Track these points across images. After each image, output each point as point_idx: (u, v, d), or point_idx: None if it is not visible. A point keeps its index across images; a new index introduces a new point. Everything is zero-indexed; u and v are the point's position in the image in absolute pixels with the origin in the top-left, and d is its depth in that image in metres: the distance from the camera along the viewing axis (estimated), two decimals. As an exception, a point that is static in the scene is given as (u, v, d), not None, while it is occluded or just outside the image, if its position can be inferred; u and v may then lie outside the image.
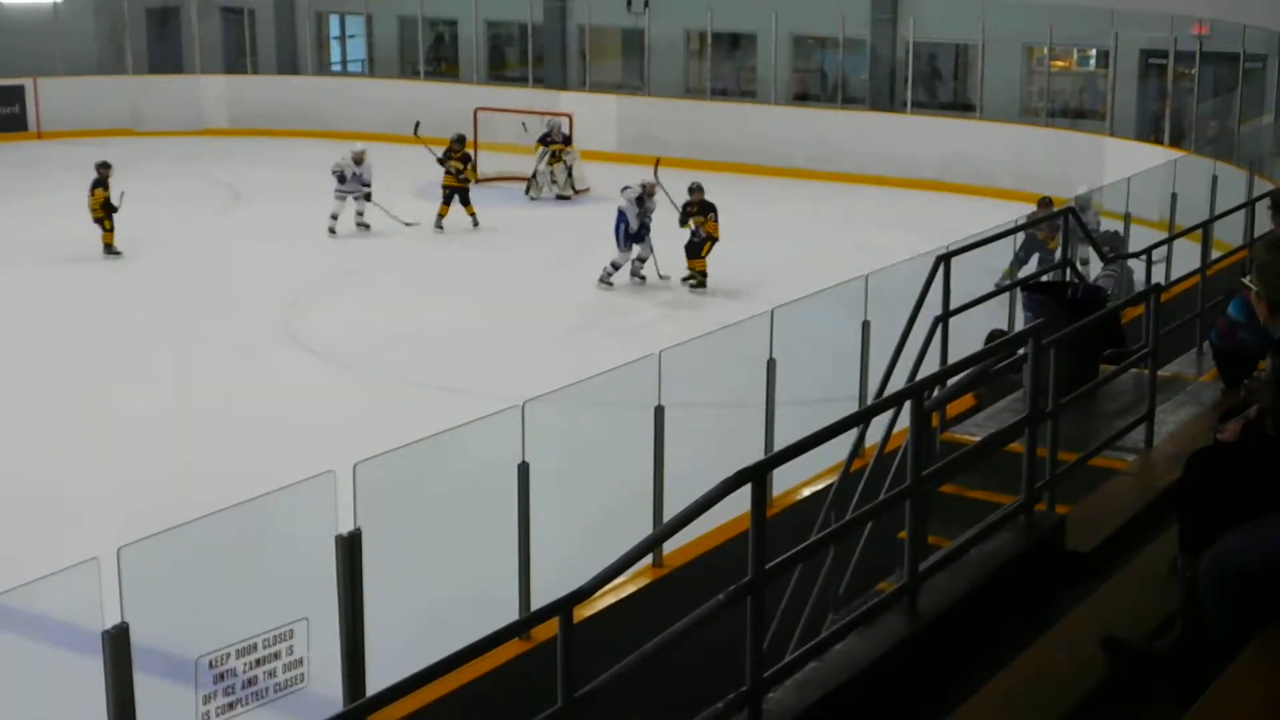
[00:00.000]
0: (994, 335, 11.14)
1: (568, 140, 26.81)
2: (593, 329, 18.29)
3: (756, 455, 5.28)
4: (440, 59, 34.73)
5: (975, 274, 10.43)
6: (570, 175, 26.64)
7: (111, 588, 6.60)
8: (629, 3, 31.13)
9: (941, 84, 30.40)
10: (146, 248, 22.40)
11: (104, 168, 21.99)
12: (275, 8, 34.71)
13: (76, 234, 22.95)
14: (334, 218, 23.39)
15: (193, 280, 20.61)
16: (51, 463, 13.82)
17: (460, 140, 24.43)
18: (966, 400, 10.44)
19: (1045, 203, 18.95)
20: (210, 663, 7.21)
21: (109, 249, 21.75)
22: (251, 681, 7.36)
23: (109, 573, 6.55)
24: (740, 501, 4.91)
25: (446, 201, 23.85)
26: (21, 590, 6.70)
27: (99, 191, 21.76)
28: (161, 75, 33.79)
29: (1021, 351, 6.73)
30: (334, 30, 36.32)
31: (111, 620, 6.70)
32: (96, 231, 21.95)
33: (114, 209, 21.54)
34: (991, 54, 28.09)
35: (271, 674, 7.43)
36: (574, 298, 19.80)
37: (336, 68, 36.53)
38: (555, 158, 26.56)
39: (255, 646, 7.39)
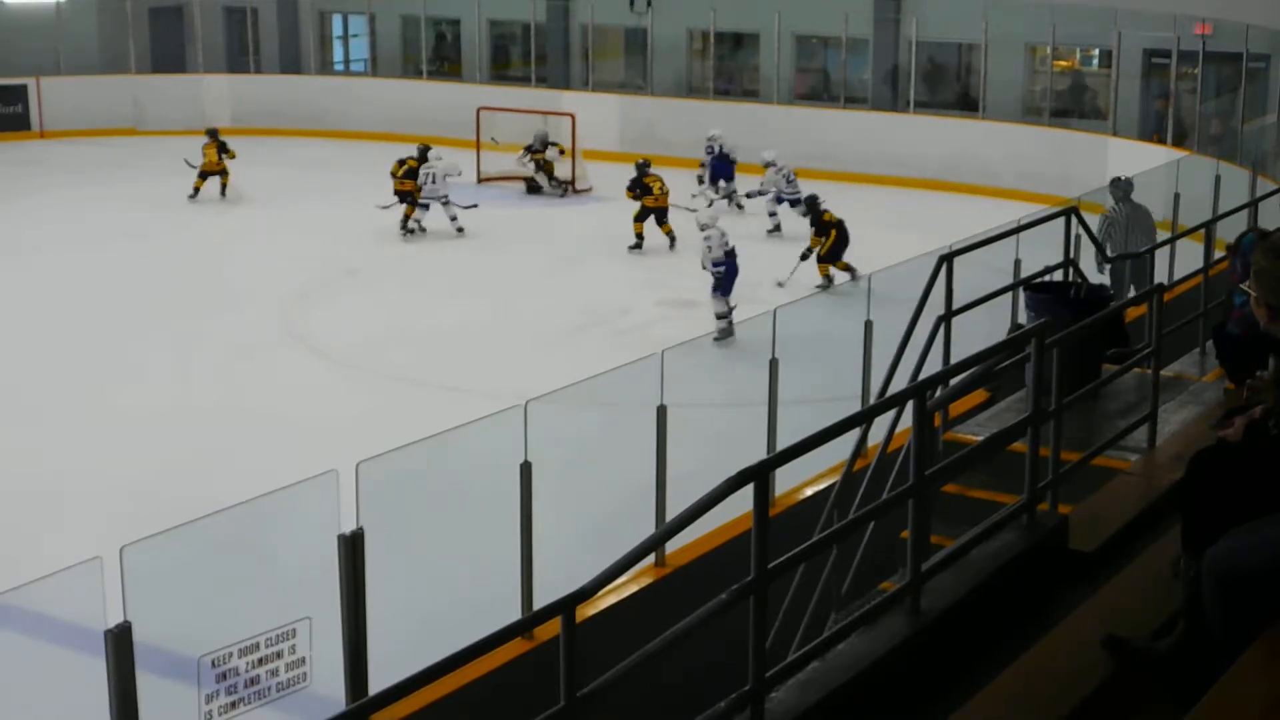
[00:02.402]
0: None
1: (545, 146, 26.94)
2: (595, 328, 18.29)
3: (759, 455, 5.29)
4: (443, 58, 34.73)
5: (978, 273, 10.41)
6: (551, 178, 26.81)
7: (114, 587, 6.60)
8: (631, 2, 31.13)
9: (944, 83, 30.36)
10: (149, 246, 22.42)
11: (215, 133, 26.20)
12: (278, 7, 34.69)
13: (77, 233, 23.04)
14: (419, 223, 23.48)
15: (195, 279, 20.61)
16: (53, 461, 13.83)
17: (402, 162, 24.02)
18: (969, 400, 10.43)
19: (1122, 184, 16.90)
20: (213, 662, 7.21)
21: (225, 190, 25.94)
22: (254, 681, 7.35)
23: (111, 572, 6.55)
24: (742, 501, 4.91)
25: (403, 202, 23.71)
26: (24, 589, 6.70)
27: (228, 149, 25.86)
28: (164, 74, 33.78)
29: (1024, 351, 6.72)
30: (337, 29, 36.30)
31: (114, 619, 6.70)
32: (93, 230, 22.25)
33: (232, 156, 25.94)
34: (994, 53, 28.08)
35: (274, 673, 7.43)
36: (576, 297, 19.80)
37: (339, 67, 36.52)
38: (538, 166, 26.79)
39: (258, 646, 7.38)
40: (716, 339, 17.14)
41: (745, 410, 11.45)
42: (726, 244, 18.07)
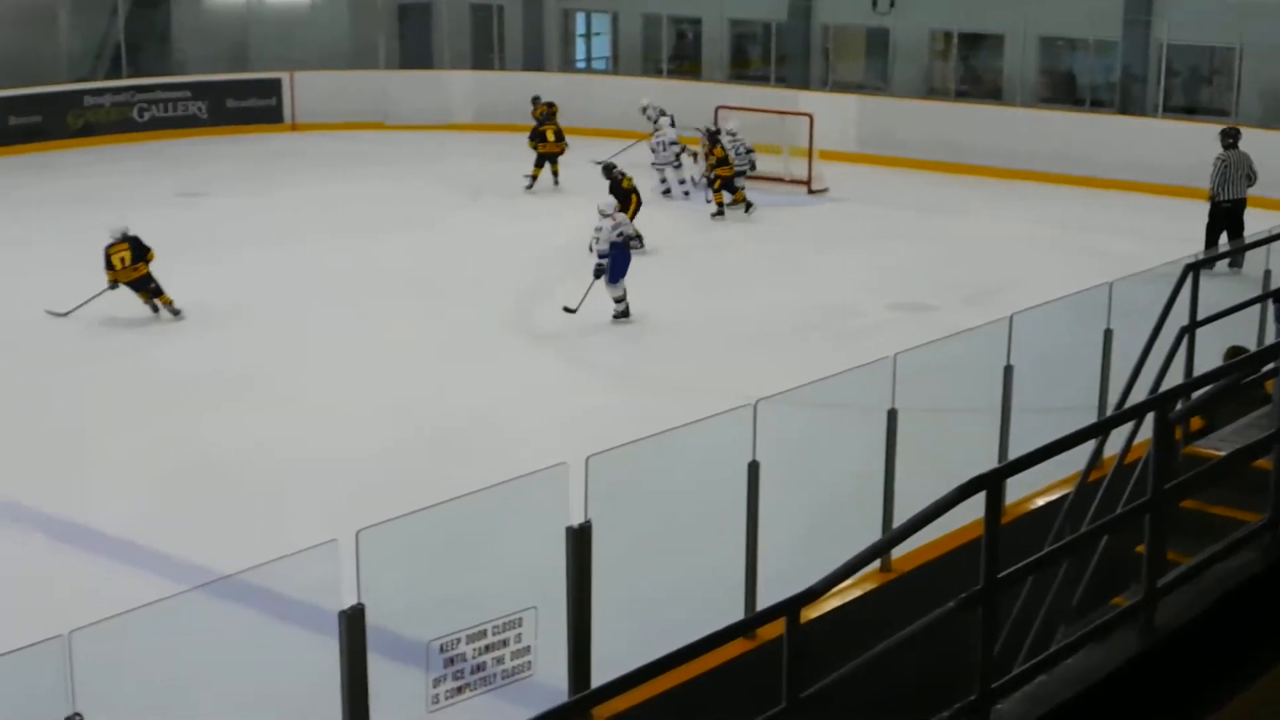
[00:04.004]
0: (1234, 351, 10.80)
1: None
2: (823, 329, 18.20)
3: (989, 463, 5.21)
4: (683, 57, 34.87)
5: (1225, 284, 10.13)
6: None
7: (349, 569, 6.77)
8: (874, 2, 30.88)
9: (1196, 88, 29.52)
10: (391, 238, 22.96)
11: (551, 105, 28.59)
12: (524, 5, 35.21)
13: (323, 224, 23.69)
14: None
15: (434, 272, 21.04)
16: (296, 447, 14.26)
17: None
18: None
19: (1230, 133, 20.96)
20: (441, 647, 7.35)
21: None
22: (480, 667, 7.47)
23: (347, 554, 6.72)
24: (972, 509, 4.84)
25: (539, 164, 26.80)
26: (264, 568, 6.91)
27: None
28: (411, 70, 34.56)
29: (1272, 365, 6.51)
30: (580, 28, 36.72)
31: (348, 601, 6.87)
32: (339, 222, 22.99)
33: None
34: (1250, 57, 27.21)
35: (499, 661, 7.54)
36: (807, 297, 19.73)
37: (581, 64, 36.92)
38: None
39: (485, 633, 7.50)
40: (616, 317, 18.48)
41: (976, 417, 11.29)
42: (615, 235, 18.53)
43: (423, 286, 20.18)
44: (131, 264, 18.61)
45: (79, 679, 6.06)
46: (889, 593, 9.47)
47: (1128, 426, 7.75)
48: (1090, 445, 8.08)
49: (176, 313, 18.80)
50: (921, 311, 18.82)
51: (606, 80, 34.73)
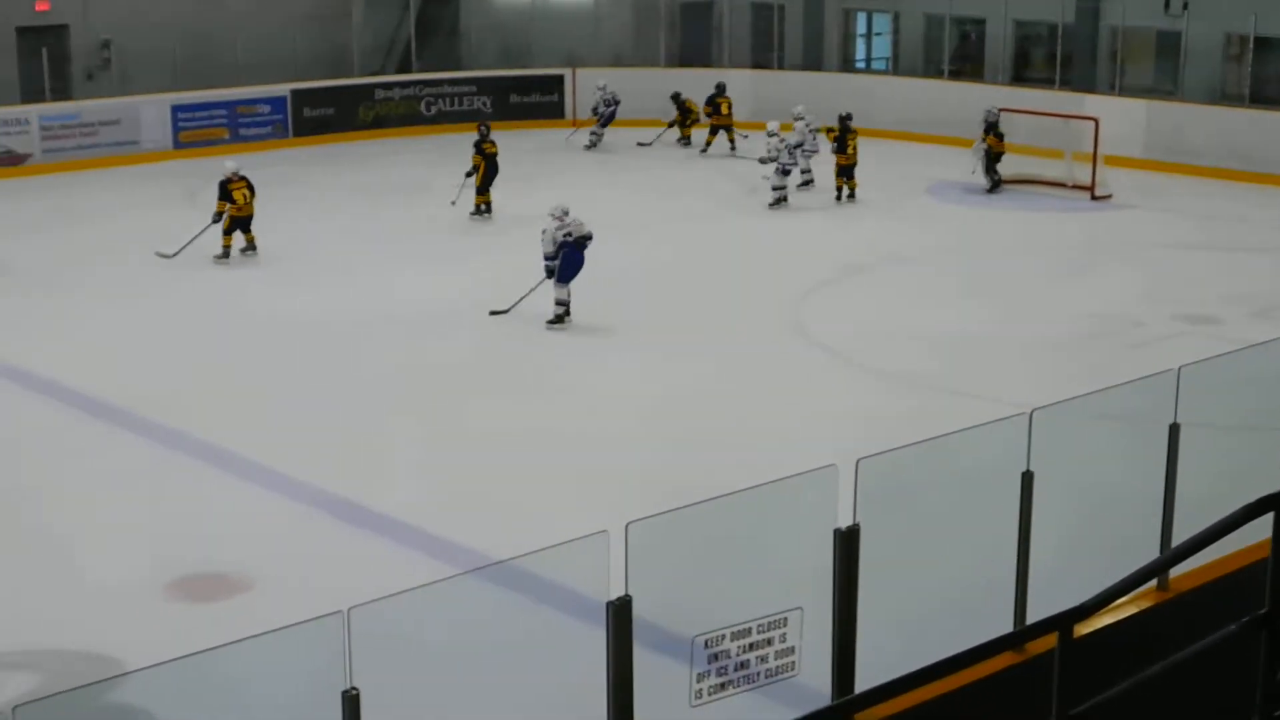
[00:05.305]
0: None
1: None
2: (1104, 339, 17.79)
3: (1278, 483, 5.04)
4: (965, 58, 34.34)
5: None
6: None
7: (618, 560, 6.86)
8: (1167, 3, 29.98)
9: None
10: (666, 234, 23.15)
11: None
12: (805, 4, 35.10)
13: (602, 217, 23.99)
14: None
15: (704, 268, 21.16)
16: (569, 438, 14.51)
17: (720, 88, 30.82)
18: None
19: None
20: (706, 642, 7.38)
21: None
22: (744, 665, 7.49)
23: (616, 546, 6.81)
24: (1258, 529, 4.69)
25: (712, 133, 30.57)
26: (535, 556, 7.04)
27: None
28: (690, 68, 34.78)
29: None
30: (860, 27, 36.47)
31: (616, 592, 6.96)
32: (611, 217, 23.26)
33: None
34: None
35: (763, 659, 7.54)
36: (1087, 306, 19.31)
37: (860, 65, 36.67)
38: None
39: (749, 631, 7.51)
40: (549, 322, 18.24)
41: (1265, 435, 10.90)
42: (559, 238, 18.30)
43: (694, 283, 20.32)
44: (249, 200, 20.12)
45: (356, 654, 6.25)
46: (1165, 612, 9.21)
47: None
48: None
49: (254, 251, 21.26)
50: (1207, 324, 18.26)
51: (885, 80, 34.43)
